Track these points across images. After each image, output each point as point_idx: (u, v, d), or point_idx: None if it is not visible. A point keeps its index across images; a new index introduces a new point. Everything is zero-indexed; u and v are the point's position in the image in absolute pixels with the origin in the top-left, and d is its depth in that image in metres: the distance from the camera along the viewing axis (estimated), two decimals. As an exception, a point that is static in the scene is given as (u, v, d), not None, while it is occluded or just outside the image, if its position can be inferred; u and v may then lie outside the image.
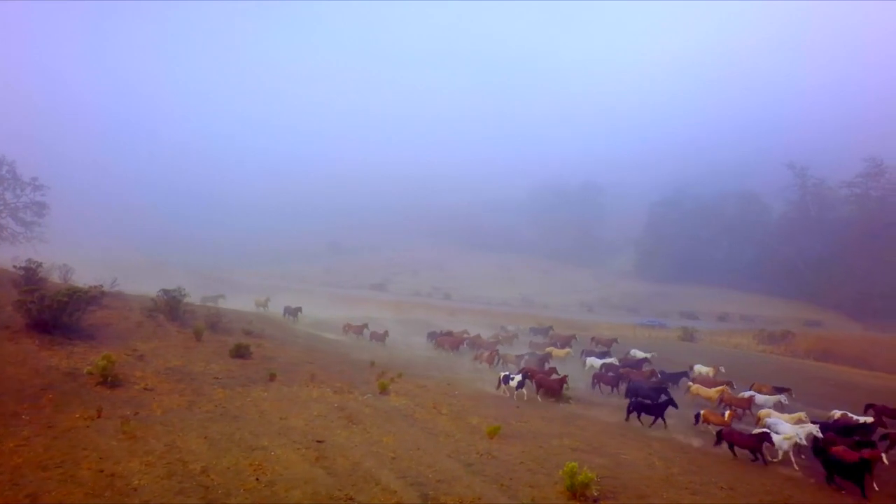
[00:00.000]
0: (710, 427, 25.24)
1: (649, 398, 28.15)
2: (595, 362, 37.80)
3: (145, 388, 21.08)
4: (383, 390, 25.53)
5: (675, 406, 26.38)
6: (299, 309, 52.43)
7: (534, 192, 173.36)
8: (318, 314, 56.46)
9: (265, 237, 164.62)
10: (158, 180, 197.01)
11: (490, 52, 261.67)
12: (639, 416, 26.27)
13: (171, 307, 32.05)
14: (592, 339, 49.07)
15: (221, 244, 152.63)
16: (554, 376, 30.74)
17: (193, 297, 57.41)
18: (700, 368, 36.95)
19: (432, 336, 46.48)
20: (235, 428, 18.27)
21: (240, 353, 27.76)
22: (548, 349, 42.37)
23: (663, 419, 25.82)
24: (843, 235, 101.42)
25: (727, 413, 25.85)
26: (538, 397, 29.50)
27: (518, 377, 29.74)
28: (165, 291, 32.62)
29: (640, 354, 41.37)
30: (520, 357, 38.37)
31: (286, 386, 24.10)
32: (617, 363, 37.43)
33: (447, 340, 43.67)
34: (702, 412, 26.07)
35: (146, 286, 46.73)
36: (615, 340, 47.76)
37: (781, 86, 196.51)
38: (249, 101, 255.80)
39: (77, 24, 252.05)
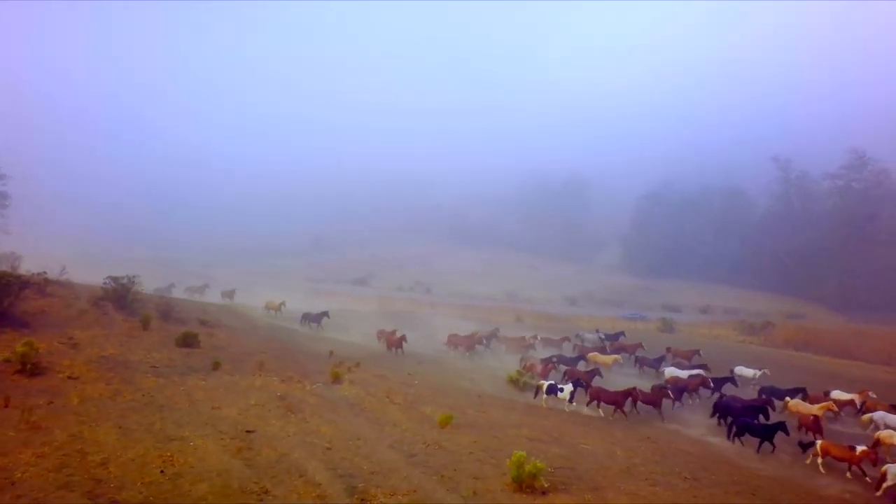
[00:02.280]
0: (820, 461, 20.32)
1: (739, 417, 23.69)
2: (677, 374, 32.09)
3: (69, 377, 19.49)
4: (336, 379, 24.11)
5: (787, 432, 22.04)
6: (325, 314, 43.92)
7: (521, 187, 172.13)
8: (294, 307, 54.59)
9: (251, 237, 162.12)
10: (149, 182, 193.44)
11: (476, 49, 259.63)
12: (739, 438, 22.65)
13: (119, 295, 30.38)
14: (668, 349, 40.19)
15: (207, 243, 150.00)
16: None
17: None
18: (840, 394, 29.38)
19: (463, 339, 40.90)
20: (158, 418, 16.78)
21: (187, 342, 26.19)
22: (590, 354, 36.94)
23: (772, 443, 21.84)
24: (827, 229, 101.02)
25: (860, 449, 19.70)
26: (597, 412, 25.84)
27: (569, 387, 26.17)
28: (113, 279, 30.92)
29: (748, 372, 34.08)
30: (546, 361, 34.08)
31: (229, 375, 22.58)
32: (706, 375, 31.50)
33: (462, 340, 39.64)
34: (818, 442, 20.63)
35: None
36: (697, 352, 38.95)
37: (768, 81, 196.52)
38: (237, 104, 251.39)
39: (61, 26, 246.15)
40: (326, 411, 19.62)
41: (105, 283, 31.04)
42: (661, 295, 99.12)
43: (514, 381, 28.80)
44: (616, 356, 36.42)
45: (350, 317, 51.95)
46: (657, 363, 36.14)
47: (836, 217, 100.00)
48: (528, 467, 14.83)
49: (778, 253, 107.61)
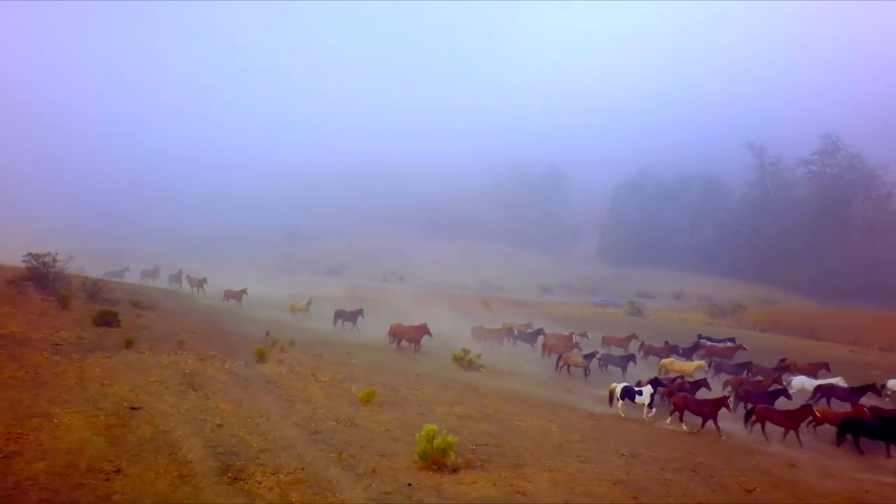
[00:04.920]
0: None
1: (879, 437, 18.75)
2: (807, 384, 27.32)
3: (-53, 354, 17.58)
4: (260, 358, 22.39)
5: None
6: (360, 313, 39.26)
7: (499, 178, 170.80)
8: (255, 293, 52.29)
9: (228, 228, 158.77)
10: (143, 178, 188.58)
11: (453, 40, 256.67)
12: None
13: (39, 275, 28.29)
14: (783, 360, 32.88)
15: (187, 234, 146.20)
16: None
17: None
18: None
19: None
20: (31, 395, 14.93)
21: (105, 320, 24.24)
22: (664, 360, 31.53)
23: None
24: (801, 215, 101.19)
25: None
26: (679, 423, 21.17)
27: (648, 389, 22.13)
28: (33, 256, 28.79)
29: None
30: (588, 357, 30.16)
31: (139, 353, 20.72)
32: (844, 385, 26.19)
33: (490, 334, 36.56)
34: None
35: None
36: (825, 366, 31.67)
37: (744, 72, 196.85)
38: (226, 100, 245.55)
39: (61, 26, 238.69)
40: (235, 389, 17.91)
41: (25, 261, 28.88)
42: (635, 283, 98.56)
43: (458, 360, 27.29)
44: (701, 363, 30.58)
45: (315, 303, 49.99)
46: (739, 370, 30.97)
47: (811, 203, 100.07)
48: (436, 442, 13.30)
49: (753, 240, 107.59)
